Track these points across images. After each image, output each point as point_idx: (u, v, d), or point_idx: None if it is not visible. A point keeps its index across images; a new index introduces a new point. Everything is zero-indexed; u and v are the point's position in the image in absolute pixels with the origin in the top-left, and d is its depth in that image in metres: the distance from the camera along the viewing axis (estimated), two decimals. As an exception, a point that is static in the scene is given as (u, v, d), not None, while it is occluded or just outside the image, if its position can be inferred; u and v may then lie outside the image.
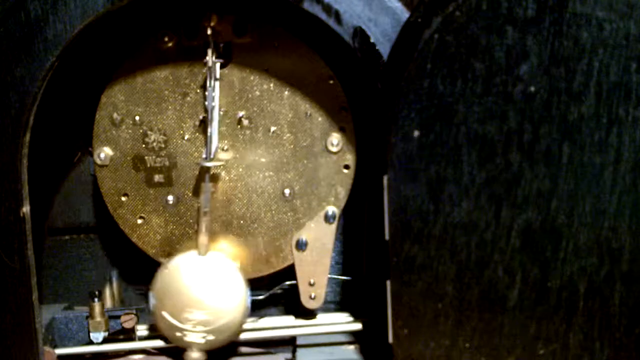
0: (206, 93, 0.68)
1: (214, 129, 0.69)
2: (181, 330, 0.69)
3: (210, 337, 0.69)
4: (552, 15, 0.57)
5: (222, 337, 0.69)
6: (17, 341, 0.65)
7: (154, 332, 0.73)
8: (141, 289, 0.80)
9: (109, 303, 0.74)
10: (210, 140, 0.69)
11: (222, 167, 0.72)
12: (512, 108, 0.58)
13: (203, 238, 0.70)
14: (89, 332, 0.72)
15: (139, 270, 0.79)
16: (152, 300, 0.69)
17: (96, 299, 0.71)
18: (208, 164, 0.69)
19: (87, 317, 0.72)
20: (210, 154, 0.69)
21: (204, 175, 0.70)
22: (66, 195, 0.80)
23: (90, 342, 0.72)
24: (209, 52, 0.68)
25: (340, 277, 0.80)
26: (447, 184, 0.60)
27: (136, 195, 0.73)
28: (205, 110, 0.70)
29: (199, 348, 0.70)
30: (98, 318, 0.71)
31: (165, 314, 0.69)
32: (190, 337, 0.69)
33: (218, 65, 0.69)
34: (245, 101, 0.71)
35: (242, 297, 0.69)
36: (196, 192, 0.73)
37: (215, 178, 0.72)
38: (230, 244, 0.73)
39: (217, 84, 0.69)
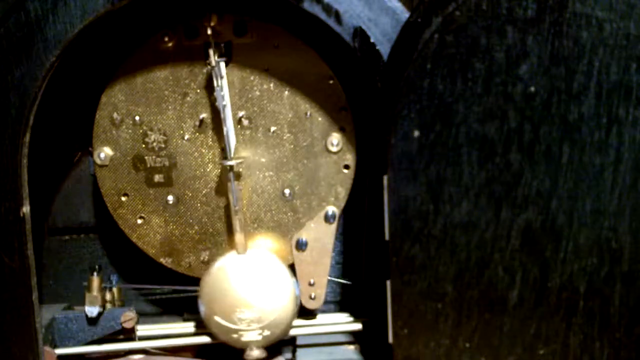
0: (215, 94, 0.68)
1: (229, 127, 0.69)
2: (236, 331, 0.69)
3: (267, 333, 0.69)
4: (552, 15, 0.57)
5: (278, 331, 0.70)
6: (17, 341, 0.65)
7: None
8: (141, 289, 0.80)
9: (95, 293, 0.74)
10: (228, 138, 0.69)
11: (221, 167, 0.72)
12: (512, 108, 0.58)
13: (240, 237, 0.70)
14: (88, 332, 0.72)
15: (139, 270, 0.79)
16: (202, 308, 0.70)
17: (95, 273, 0.71)
18: (230, 163, 0.69)
19: (85, 289, 0.72)
20: (230, 152, 0.69)
21: (228, 174, 0.70)
22: (66, 195, 0.80)
23: (91, 342, 0.72)
24: (211, 52, 0.68)
25: (340, 280, 0.80)
26: (447, 184, 0.60)
27: (136, 195, 0.73)
28: (213, 111, 0.70)
29: (258, 345, 0.70)
30: (95, 292, 0.71)
31: (217, 318, 0.69)
32: (247, 336, 0.69)
33: (223, 64, 0.69)
34: (245, 101, 0.71)
35: (290, 286, 0.70)
36: (196, 192, 0.73)
37: (215, 178, 0.72)
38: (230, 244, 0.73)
39: (225, 82, 0.69)
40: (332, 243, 0.73)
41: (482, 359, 0.62)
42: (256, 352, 0.70)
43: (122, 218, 0.74)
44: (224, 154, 0.70)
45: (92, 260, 0.81)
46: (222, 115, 0.69)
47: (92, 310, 0.72)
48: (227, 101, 0.69)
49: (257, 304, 0.69)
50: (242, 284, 0.69)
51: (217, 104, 0.68)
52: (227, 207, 0.73)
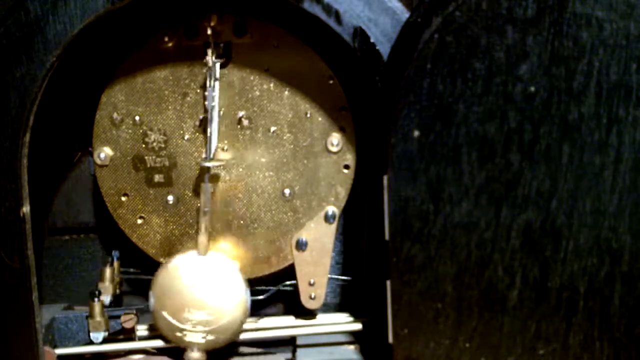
0: (206, 93, 0.68)
1: (213, 129, 0.69)
2: (181, 330, 0.69)
3: (211, 337, 0.69)
4: (552, 15, 0.57)
5: (222, 337, 0.69)
6: (17, 341, 0.65)
7: (154, 332, 0.73)
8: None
9: (107, 283, 0.74)
10: (210, 140, 0.69)
11: (222, 167, 0.72)
12: (512, 108, 0.58)
13: (203, 238, 0.70)
14: (89, 332, 0.72)
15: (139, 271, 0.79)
16: (152, 300, 0.69)
17: (96, 299, 0.71)
18: (208, 164, 0.69)
19: (87, 317, 0.72)
20: (210, 154, 0.69)
21: (204, 175, 0.70)
22: (66, 195, 0.80)
23: (90, 342, 0.72)
24: (209, 52, 0.68)
25: (340, 277, 0.80)
26: (447, 184, 0.60)
27: (136, 195, 0.73)
28: (205, 110, 0.70)
29: (199, 348, 0.70)
30: (98, 318, 0.71)
31: (164, 313, 0.69)
32: (190, 337, 0.69)
33: (218, 65, 0.69)
34: (245, 101, 0.71)
35: (242, 297, 0.69)
36: (196, 192, 0.73)
37: (215, 178, 0.72)
38: (230, 244, 0.73)
39: (217, 84, 0.69)
40: (332, 243, 0.73)
41: (482, 359, 0.62)
42: (196, 355, 0.70)
43: (122, 218, 0.74)
44: (206, 153, 0.70)
45: (92, 260, 0.81)
46: (208, 116, 0.69)
47: (97, 336, 0.72)
48: (216, 103, 0.69)
49: (207, 307, 0.69)
50: (195, 284, 0.69)
51: (206, 103, 0.69)
52: (227, 207, 0.73)
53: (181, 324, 0.69)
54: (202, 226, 0.70)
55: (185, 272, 0.69)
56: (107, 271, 0.74)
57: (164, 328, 0.70)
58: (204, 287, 0.69)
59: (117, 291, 0.76)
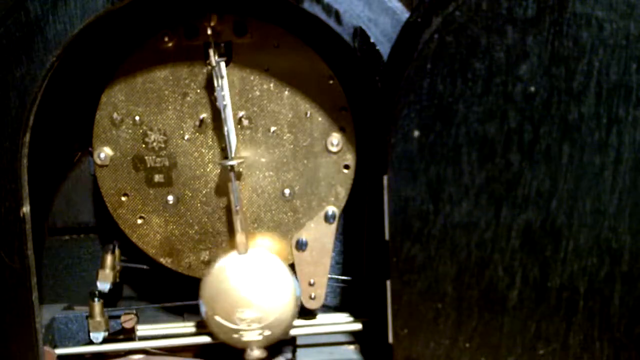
0: (215, 94, 0.68)
1: (230, 127, 0.69)
2: (237, 331, 0.69)
3: (268, 332, 0.69)
4: (552, 15, 0.57)
5: (278, 331, 0.70)
6: (17, 341, 0.65)
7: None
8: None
9: (108, 270, 0.74)
10: (229, 138, 0.69)
11: (221, 167, 0.72)
12: (512, 108, 0.58)
13: (241, 237, 0.70)
14: (89, 332, 0.72)
15: (139, 270, 0.79)
16: (203, 308, 0.70)
17: (96, 299, 0.71)
18: (231, 163, 0.69)
19: (87, 317, 0.72)
20: (231, 152, 0.69)
21: (228, 174, 0.70)
22: (66, 195, 0.80)
23: (90, 342, 0.72)
24: (211, 51, 0.68)
25: (340, 277, 0.80)
26: (447, 184, 0.60)
27: (136, 195, 0.73)
28: (213, 111, 0.70)
29: (259, 345, 0.70)
30: (98, 318, 0.71)
31: (218, 318, 0.69)
32: (247, 336, 0.69)
33: (223, 64, 0.69)
34: (245, 101, 0.71)
35: (290, 286, 0.70)
36: (196, 192, 0.73)
37: (215, 178, 0.72)
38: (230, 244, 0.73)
39: (226, 82, 0.69)
40: (332, 243, 0.73)
41: (482, 359, 0.62)
42: (257, 352, 0.70)
43: (122, 218, 0.74)
44: (224, 153, 0.70)
45: (92, 260, 0.81)
46: (222, 115, 0.69)
47: (97, 336, 0.72)
48: (227, 101, 0.69)
49: (258, 303, 0.69)
50: (243, 284, 0.69)
51: (217, 104, 0.68)
52: (227, 207, 0.73)
53: (236, 325, 0.69)
54: (238, 225, 0.70)
55: (230, 274, 0.69)
56: (108, 258, 0.74)
57: (219, 332, 0.70)
58: (251, 284, 0.69)
59: (117, 279, 0.76)
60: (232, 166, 0.69)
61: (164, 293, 0.80)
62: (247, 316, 0.69)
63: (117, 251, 0.76)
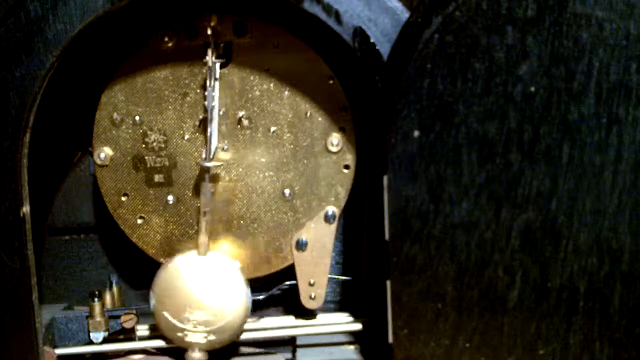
0: (206, 93, 0.68)
1: (213, 129, 0.69)
2: (182, 330, 0.69)
3: (212, 337, 0.69)
4: (552, 15, 0.57)
5: (223, 337, 0.69)
6: (17, 341, 0.65)
7: (154, 332, 0.73)
8: (142, 291, 0.80)
9: (98, 318, 0.74)
10: (210, 140, 0.69)
11: (222, 167, 0.72)
12: (512, 108, 0.58)
13: (203, 238, 0.70)
14: (89, 332, 0.72)
15: (139, 271, 0.79)
16: (152, 301, 0.69)
17: (96, 299, 0.71)
18: (208, 164, 0.69)
19: (87, 317, 0.72)
20: (210, 154, 0.69)
21: (204, 175, 0.70)
22: (66, 195, 0.80)
23: (90, 342, 0.72)
24: (209, 52, 0.68)
25: (340, 277, 0.80)
26: (447, 184, 0.60)
27: (136, 195, 0.73)
28: (205, 110, 0.70)
29: (200, 348, 0.70)
30: (98, 318, 0.71)
31: (165, 314, 0.69)
32: (191, 337, 0.69)
33: (218, 65, 0.69)
34: (245, 101, 0.71)
35: (242, 296, 0.69)
36: (196, 192, 0.73)
37: (215, 178, 0.72)
38: (230, 244, 0.73)
39: (217, 84, 0.69)
40: (332, 243, 0.73)
41: (482, 359, 0.62)
42: (197, 355, 0.70)
43: (122, 218, 0.74)
44: (206, 154, 0.70)
45: (92, 260, 0.81)
46: (208, 116, 0.69)
47: (97, 336, 0.72)
48: (216, 103, 0.69)
49: (208, 307, 0.69)
50: (196, 285, 0.69)
51: (206, 103, 0.69)
52: (227, 207, 0.73)
53: (182, 324, 0.69)
54: (202, 226, 0.70)
55: (185, 272, 0.69)
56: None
57: (165, 328, 0.70)
58: (204, 287, 0.69)
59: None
60: (208, 168, 0.69)
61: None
62: (195, 317, 0.69)
63: (115, 287, 0.76)
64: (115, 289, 0.76)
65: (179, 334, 0.69)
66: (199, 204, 0.73)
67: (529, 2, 0.56)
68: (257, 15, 0.70)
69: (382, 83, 0.61)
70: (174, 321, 0.69)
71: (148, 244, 0.74)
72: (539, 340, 0.61)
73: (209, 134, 0.69)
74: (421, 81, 0.58)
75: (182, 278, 0.69)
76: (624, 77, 0.57)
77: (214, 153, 0.70)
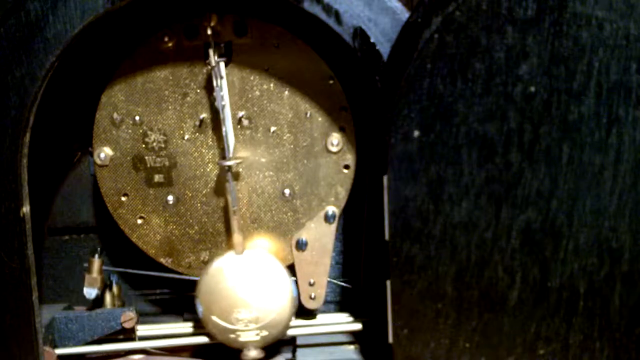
0: (214, 94, 0.68)
1: (228, 127, 0.69)
2: (234, 331, 0.69)
3: (264, 333, 0.69)
4: (552, 15, 0.57)
5: (275, 331, 0.70)
6: (17, 341, 0.65)
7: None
8: (142, 291, 0.80)
9: (95, 275, 0.74)
10: (227, 138, 0.69)
11: (220, 167, 0.72)
12: (512, 108, 0.58)
13: (237, 237, 0.70)
14: (88, 331, 0.72)
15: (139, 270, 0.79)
16: (200, 308, 0.70)
17: (96, 255, 0.72)
18: (228, 163, 0.69)
19: (84, 271, 0.72)
20: (229, 152, 0.69)
21: (226, 174, 0.70)
22: (66, 195, 0.80)
23: (91, 342, 0.72)
24: (211, 51, 0.68)
25: (339, 282, 0.80)
26: (447, 184, 0.60)
27: (136, 195, 0.73)
28: (212, 111, 0.70)
29: (255, 345, 0.70)
30: (95, 274, 0.72)
31: (215, 318, 0.69)
32: (244, 337, 0.70)
33: (222, 64, 0.69)
34: (245, 101, 0.71)
35: (287, 287, 0.70)
36: (196, 192, 0.73)
37: (215, 178, 0.72)
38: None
39: (225, 82, 0.69)
40: (332, 243, 0.73)
41: (482, 359, 0.62)
42: (254, 353, 0.70)
43: (122, 218, 0.74)
44: (224, 153, 0.70)
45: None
46: (221, 116, 0.69)
47: (90, 292, 0.72)
48: (226, 101, 0.69)
49: (255, 304, 0.69)
50: (240, 284, 0.69)
51: (216, 104, 0.69)
52: (227, 207, 0.73)
53: (233, 326, 0.69)
54: (235, 225, 0.70)
55: (227, 274, 0.69)
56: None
57: (216, 332, 0.70)
58: (248, 285, 0.69)
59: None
60: (229, 166, 0.69)
61: (165, 293, 0.80)
62: (244, 316, 0.69)
63: (115, 287, 0.76)
64: (115, 288, 0.76)
65: (232, 336, 0.70)
66: (199, 204, 0.73)
67: (529, 2, 0.56)
68: (257, 15, 0.70)
69: (382, 83, 0.61)
70: (224, 323, 0.69)
71: (148, 244, 0.74)
72: (539, 340, 0.61)
73: (224, 133, 0.69)
74: (421, 81, 0.58)
75: (224, 280, 0.69)
76: (624, 77, 0.57)
77: (232, 151, 0.70)
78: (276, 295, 0.69)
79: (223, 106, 0.68)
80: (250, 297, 0.69)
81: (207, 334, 0.72)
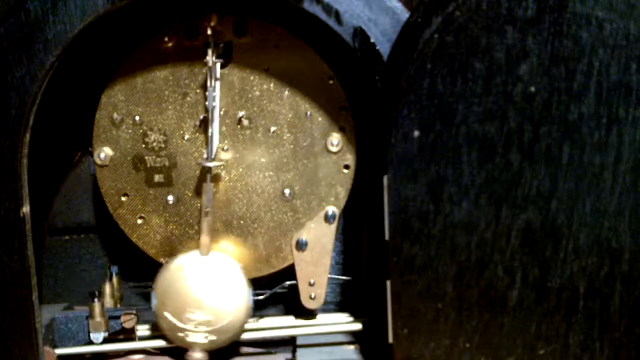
0: (207, 93, 0.68)
1: (214, 129, 0.69)
2: (183, 330, 0.69)
3: (213, 337, 0.69)
4: (552, 15, 0.57)
5: (224, 337, 0.69)
6: (17, 341, 0.65)
7: (155, 332, 0.73)
8: (142, 286, 0.80)
9: (108, 299, 0.74)
10: (211, 140, 0.69)
11: (222, 167, 0.72)
12: (512, 108, 0.58)
13: (205, 238, 0.70)
14: (89, 332, 0.72)
15: (139, 270, 0.79)
16: (154, 301, 0.69)
17: (96, 299, 0.71)
18: (209, 164, 0.69)
19: (87, 317, 0.72)
20: (211, 154, 0.69)
21: (205, 175, 0.70)
22: (66, 195, 0.80)
23: (90, 342, 0.72)
24: (209, 52, 0.68)
25: (340, 277, 0.80)
26: (447, 184, 0.60)
27: (136, 195, 0.73)
28: (206, 110, 0.70)
29: (201, 348, 0.70)
30: (98, 318, 0.71)
31: (167, 314, 0.69)
32: (192, 338, 0.69)
33: (218, 65, 0.69)
34: (245, 101, 0.71)
35: (244, 297, 0.69)
36: (197, 192, 0.73)
37: (215, 178, 0.72)
38: (230, 244, 0.73)
39: (218, 84, 0.69)
40: (332, 243, 0.73)
41: (482, 359, 0.62)
42: (198, 355, 0.70)
43: (122, 218, 0.74)
44: (207, 154, 0.70)
45: (92, 260, 0.81)
46: (209, 116, 0.69)
47: (97, 337, 0.72)
48: (217, 103, 0.69)
49: (209, 307, 0.69)
50: (198, 285, 0.69)
51: (207, 103, 0.69)
52: (227, 207, 0.73)
53: (183, 324, 0.69)
54: (204, 226, 0.70)
55: (187, 273, 0.69)
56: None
57: (166, 328, 0.70)
58: (206, 287, 0.69)
59: (118, 306, 0.76)
60: (209, 168, 0.69)
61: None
62: (196, 317, 0.69)
63: (115, 278, 0.76)
64: (115, 279, 0.76)
65: (180, 334, 0.69)
66: (199, 204, 0.73)
67: (529, 2, 0.56)
68: (257, 15, 0.70)
69: (382, 83, 0.61)
70: (175, 321, 0.69)
71: (148, 244, 0.74)
72: (539, 340, 0.61)
73: (209, 134, 0.69)
74: (421, 81, 0.58)
75: (183, 278, 0.69)
76: (624, 77, 0.57)
77: (215, 153, 0.70)
78: (232, 303, 0.69)
79: (213, 107, 0.69)
80: (205, 300, 0.69)
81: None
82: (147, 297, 0.80)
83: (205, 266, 0.70)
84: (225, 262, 0.70)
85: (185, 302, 0.69)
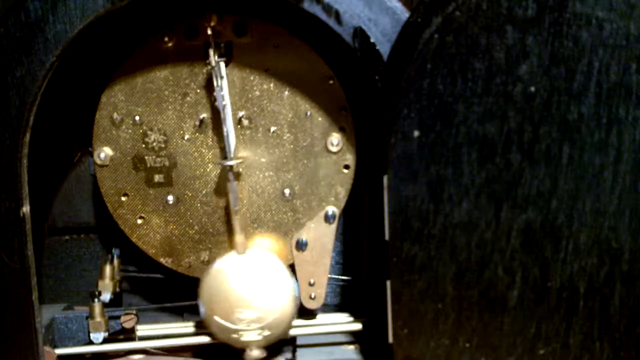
0: (214, 93, 0.68)
1: (229, 127, 0.69)
2: (236, 331, 0.69)
3: (267, 333, 0.69)
4: (552, 15, 0.57)
5: (278, 331, 0.70)
6: (17, 341, 0.65)
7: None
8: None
9: (107, 281, 0.74)
10: (227, 138, 0.69)
11: (221, 167, 0.72)
12: (512, 108, 0.58)
13: (239, 237, 0.70)
14: (89, 332, 0.72)
15: (139, 271, 0.79)
16: (202, 308, 0.70)
17: (96, 300, 0.71)
18: (230, 163, 0.69)
19: (87, 318, 0.72)
20: (230, 152, 0.69)
21: (227, 174, 0.70)
22: (66, 195, 0.80)
23: (90, 342, 0.72)
24: (211, 51, 0.68)
25: (340, 277, 0.80)
26: (447, 184, 0.60)
27: (136, 195, 0.73)
28: (213, 111, 0.70)
29: (258, 345, 0.70)
30: (98, 318, 0.71)
31: (217, 318, 0.69)
32: (246, 337, 0.70)
33: (223, 64, 0.69)
34: (245, 101, 0.71)
35: (289, 286, 0.70)
36: (196, 192, 0.73)
37: (215, 178, 0.72)
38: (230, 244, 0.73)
39: (225, 82, 0.69)
40: (332, 243, 0.73)
41: (482, 359, 0.62)
42: (256, 352, 0.70)
43: (122, 218, 0.74)
44: (224, 153, 0.70)
45: (92, 260, 0.81)
46: (222, 116, 0.69)
47: (97, 337, 0.72)
48: (227, 101, 0.69)
49: (257, 303, 0.69)
50: (242, 284, 0.69)
51: (217, 104, 0.69)
52: (227, 207, 0.73)
53: (235, 325, 0.69)
54: (236, 225, 0.70)
55: (229, 274, 0.69)
56: (107, 269, 0.75)
57: (218, 332, 0.70)
58: (250, 284, 0.69)
59: (117, 289, 0.76)
60: (230, 166, 0.69)
61: (165, 294, 0.80)
62: (246, 316, 0.69)
63: (116, 261, 0.76)
64: (116, 262, 0.76)
65: (234, 335, 0.70)
66: (199, 204, 0.73)
67: (529, 2, 0.56)
68: (257, 15, 0.70)
69: (382, 83, 0.61)
70: (227, 323, 0.69)
71: (148, 244, 0.74)
72: (539, 340, 0.61)
73: (225, 133, 0.69)
74: (421, 81, 0.58)
75: (226, 280, 0.69)
76: (624, 77, 0.57)
77: (234, 151, 0.70)
78: (278, 295, 0.69)
79: (224, 106, 0.68)
80: (252, 297, 0.69)
81: (208, 334, 0.72)
82: (146, 288, 0.81)
83: (245, 264, 0.70)
84: (263, 257, 0.70)
85: (232, 304, 0.69)
